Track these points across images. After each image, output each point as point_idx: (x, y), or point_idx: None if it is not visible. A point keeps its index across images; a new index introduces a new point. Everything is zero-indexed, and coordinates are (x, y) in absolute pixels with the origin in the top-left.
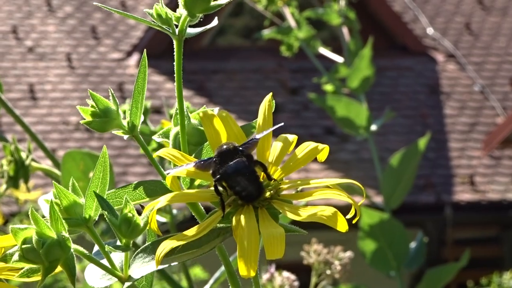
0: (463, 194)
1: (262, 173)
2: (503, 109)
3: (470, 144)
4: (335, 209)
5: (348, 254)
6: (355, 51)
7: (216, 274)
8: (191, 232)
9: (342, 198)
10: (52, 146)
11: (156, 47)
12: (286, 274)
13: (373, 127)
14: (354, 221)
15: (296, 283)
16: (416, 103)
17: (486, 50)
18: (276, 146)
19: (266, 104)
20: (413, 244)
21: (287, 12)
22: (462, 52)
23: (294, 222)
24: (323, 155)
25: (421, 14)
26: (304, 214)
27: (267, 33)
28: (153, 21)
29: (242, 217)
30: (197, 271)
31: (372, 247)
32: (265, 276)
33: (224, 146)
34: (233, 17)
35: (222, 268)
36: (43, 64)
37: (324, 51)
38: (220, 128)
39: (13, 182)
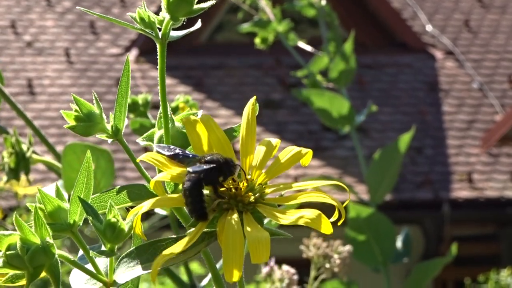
0: (461, 191)
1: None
2: (501, 107)
3: (468, 141)
4: (319, 212)
5: (347, 247)
6: (333, 42)
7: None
8: (180, 244)
9: (326, 200)
10: (50, 141)
11: (154, 43)
12: (285, 267)
13: (357, 121)
14: (339, 223)
15: (295, 277)
16: (415, 100)
17: (485, 47)
18: (259, 150)
19: (250, 108)
20: (399, 239)
21: (265, 5)
22: (460, 49)
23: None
24: (306, 160)
25: (420, 11)
26: (288, 218)
27: (245, 27)
28: (137, 25)
29: (226, 221)
30: (194, 267)
31: (358, 241)
32: (264, 270)
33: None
34: (231, 13)
35: (220, 262)
36: (42, 59)
37: (302, 44)
38: (203, 132)
39: (14, 174)
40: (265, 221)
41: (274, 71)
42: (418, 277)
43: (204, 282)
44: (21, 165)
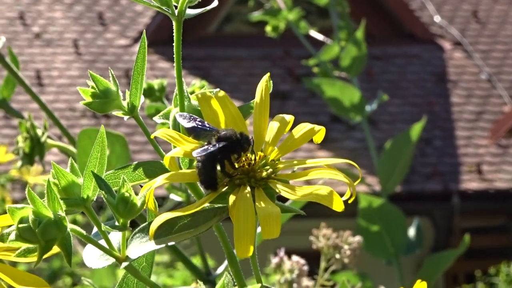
0: (471, 183)
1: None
2: (510, 98)
3: (477, 132)
4: (330, 188)
5: (357, 238)
6: (344, 31)
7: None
8: (187, 208)
9: (338, 177)
10: (58, 132)
11: (163, 34)
12: (295, 258)
13: (367, 110)
14: (350, 201)
15: (305, 268)
16: (424, 91)
17: (493, 38)
18: (272, 126)
19: (263, 84)
20: (411, 231)
21: None
22: (469, 40)
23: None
24: (319, 137)
25: (428, 2)
26: (299, 193)
27: (255, 15)
28: (153, 2)
29: (238, 196)
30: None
31: (369, 232)
32: (274, 260)
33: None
34: (240, 4)
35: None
36: (50, 50)
37: (313, 33)
38: (217, 109)
39: (28, 159)
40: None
41: (282, 62)
42: (430, 269)
43: (220, 269)
44: (35, 150)
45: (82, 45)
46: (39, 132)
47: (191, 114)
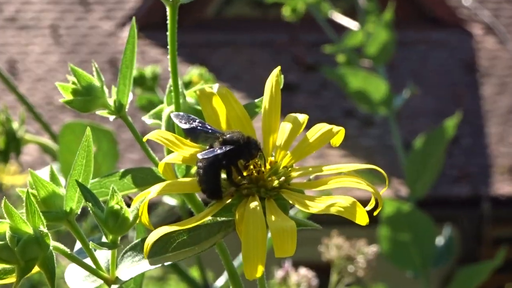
0: (503, 187)
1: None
2: None
3: (511, 129)
4: (353, 199)
5: (373, 248)
6: (371, 14)
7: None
8: (186, 222)
9: (361, 186)
10: (35, 129)
11: (155, 17)
12: (303, 271)
13: (396, 104)
14: (375, 213)
15: (314, 282)
16: (449, 82)
17: None
18: (284, 128)
19: (273, 79)
20: (440, 240)
21: None
22: (502, 24)
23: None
24: (338, 139)
25: None
26: (318, 206)
27: None
28: None
29: (246, 209)
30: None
31: (393, 242)
32: (279, 273)
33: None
34: None
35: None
36: (26, 36)
37: (336, 16)
38: (220, 107)
39: (2, 156)
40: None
41: (289, 49)
42: (462, 284)
43: (219, 282)
44: (11, 146)
45: (61, 30)
46: (15, 126)
47: (189, 114)
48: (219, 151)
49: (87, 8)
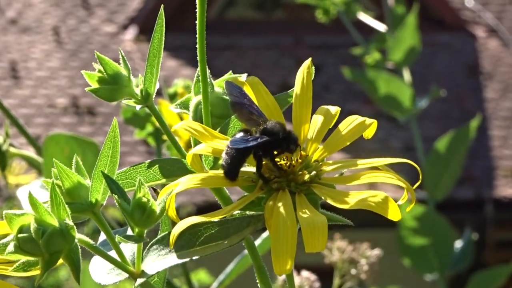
0: (506, 189)
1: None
2: None
3: None
4: (385, 195)
5: (376, 252)
6: (400, 17)
7: (221, 277)
8: (214, 214)
9: (394, 181)
10: (36, 132)
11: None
12: (305, 274)
13: (420, 106)
14: (408, 209)
15: (317, 284)
16: (453, 84)
17: None
18: (316, 120)
19: (305, 70)
20: (458, 243)
21: None
22: (506, 26)
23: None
24: (370, 131)
25: None
26: (350, 201)
27: None
28: None
29: (276, 203)
30: (201, 276)
31: (412, 245)
32: (281, 277)
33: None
34: None
35: (228, 269)
36: (27, 39)
37: (364, 17)
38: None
39: None
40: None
41: (293, 51)
42: None
43: (214, 286)
44: None
45: (63, 33)
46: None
47: (241, 88)
48: (252, 143)
49: (89, 10)
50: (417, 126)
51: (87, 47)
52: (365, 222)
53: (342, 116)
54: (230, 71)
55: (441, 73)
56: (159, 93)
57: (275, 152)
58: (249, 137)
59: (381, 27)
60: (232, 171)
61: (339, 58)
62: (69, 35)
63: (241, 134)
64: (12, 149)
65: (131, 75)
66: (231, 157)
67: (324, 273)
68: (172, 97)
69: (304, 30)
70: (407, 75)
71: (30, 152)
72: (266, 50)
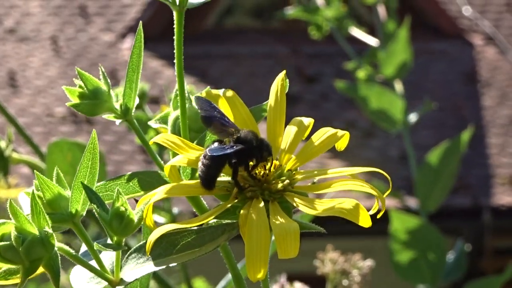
0: (504, 197)
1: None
2: None
3: None
4: (356, 201)
5: (368, 262)
6: (391, 32)
7: (222, 283)
8: (190, 221)
9: (365, 189)
10: (35, 141)
11: (154, 29)
12: (298, 285)
13: (411, 119)
14: (378, 216)
15: None
16: (450, 92)
17: None
18: (289, 131)
19: (279, 83)
20: (451, 253)
21: None
22: (503, 34)
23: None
24: (342, 143)
25: None
26: (320, 208)
27: (291, 12)
28: None
29: (250, 211)
30: (199, 284)
31: (404, 256)
32: (274, 287)
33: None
34: None
35: (228, 276)
36: (25, 48)
37: (356, 32)
38: (225, 110)
39: None
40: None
41: (290, 60)
42: None
43: None
44: None
45: (61, 42)
46: (2, 144)
47: (211, 102)
48: (229, 150)
49: (87, 19)
50: (409, 137)
51: (85, 56)
52: (358, 231)
53: (343, 124)
54: (208, 86)
55: (438, 81)
56: (156, 102)
57: (250, 162)
58: (225, 145)
59: (373, 41)
60: (209, 181)
61: (336, 67)
62: (67, 44)
63: (216, 144)
64: (15, 155)
65: (111, 90)
66: (208, 167)
67: (317, 283)
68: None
69: (301, 39)
70: (399, 88)
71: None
72: (263, 59)
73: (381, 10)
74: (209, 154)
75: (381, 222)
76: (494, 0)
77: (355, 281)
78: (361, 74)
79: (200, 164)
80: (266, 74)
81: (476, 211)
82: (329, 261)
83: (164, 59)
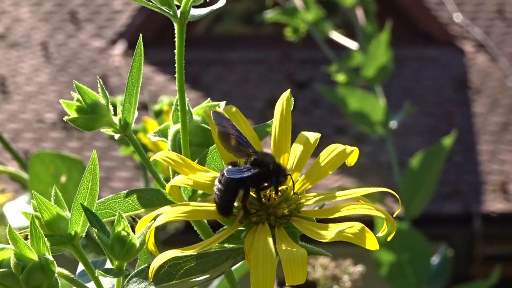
0: (494, 204)
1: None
2: None
3: (503, 146)
4: (362, 225)
5: (359, 268)
6: (371, 35)
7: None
8: (193, 247)
9: (373, 212)
10: (25, 147)
11: (145, 34)
12: None
13: (392, 124)
14: (389, 239)
15: None
16: (441, 99)
17: None
18: (296, 149)
19: (284, 101)
20: (435, 259)
21: None
22: (494, 41)
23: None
24: (352, 159)
25: None
26: (328, 234)
27: (270, 15)
28: (151, 2)
29: (256, 237)
30: None
31: (388, 261)
32: None
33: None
34: (232, 1)
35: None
36: (16, 54)
37: (336, 35)
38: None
39: None
40: None
41: (281, 66)
42: None
43: None
44: None
45: (52, 48)
46: None
47: (228, 118)
48: (246, 174)
49: (77, 25)
50: (392, 142)
51: (75, 62)
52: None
53: (334, 130)
54: (209, 98)
55: (429, 87)
56: (145, 108)
57: (265, 184)
58: (243, 167)
59: (352, 44)
60: (225, 206)
61: (327, 73)
62: (57, 50)
63: (230, 166)
64: None
65: (109, 103)
66: (224, 192)
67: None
68: (158, 115)
69: (292, 44)
70: (379, 92)
71: (15, 167)
72: (254, 65)
73: (360, 13)
74: (227, 175)
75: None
76: (485, 7)
77: (346, 287)
78: (341, 77)
79: (215, 189)
80: (257, 80)
81: (467, 217)
82: (320, 266)
83: (155, 65)
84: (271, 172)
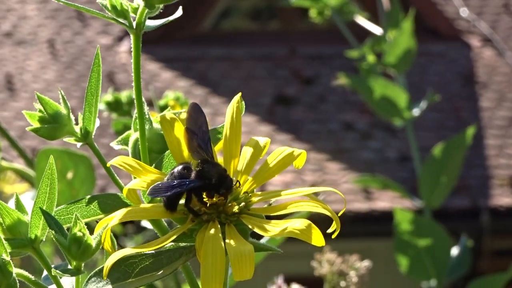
0: (502, 198)
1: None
2: None
3: (510, 141)
4: (308, 222)
5: (366, 263)
6: (396, 21)
7: None
8: (147, 245)
9: (318, 210)
10: (32, 145)
11: (151, 32)
12: (295, 286)
13: (415, 112)
14: (333, 236)
15: None
16: (448, 94)
17: None
18: (245, 153)
19: (234, 105)
20: (455, 250)
21: None
22: (500, 36)
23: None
24: (300, 162)
25: None
26: (274, 230)
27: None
28: (107, 14)
29: (206, 234)
30: None
31: (408, 253)
32: None
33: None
34: None
35: None
36: (23, 51)
37: (360, 20)
38: (182, 134)
39: None
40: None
41: (287, 62)
42: None
43: None
44: None
45: (59, 45)
46: None
47: (204, 115)
48: (181, 189)
49: (84, 22)
50: (413, 134)
51: (82, 59)
52: (361, 232)
53: (341, 126)
54: (178, 95)
55: (436, 82)
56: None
57: (204, 195)
58: (174, 182)
59: (376, 30)
60: (170, 204)
61: (334, 68)
62: (64, 47)
63: (180, 167)
64: (3, 163)
65: (70, 113)
66: (168, 199)
67: (314, 284)
68: (163, 109)
69: (299, 40)
70: (402, 80)
71: (21, 164)
72: (261, 61)
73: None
74: (148, 195)
75: (380, 223)
76: (491, 1)
77: (353, 282)
78: (364, 64)
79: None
80: (264, 76)
81: (475, 212)
82: (326, 262)
83: (162, 62)
84: (211, 185)
